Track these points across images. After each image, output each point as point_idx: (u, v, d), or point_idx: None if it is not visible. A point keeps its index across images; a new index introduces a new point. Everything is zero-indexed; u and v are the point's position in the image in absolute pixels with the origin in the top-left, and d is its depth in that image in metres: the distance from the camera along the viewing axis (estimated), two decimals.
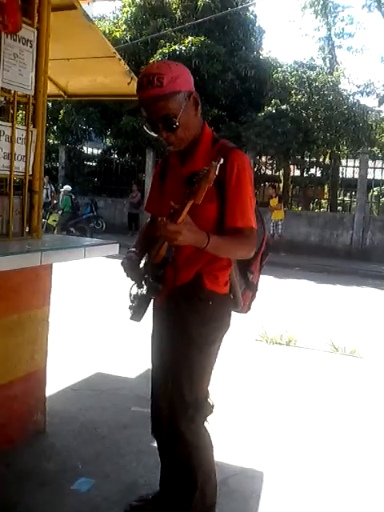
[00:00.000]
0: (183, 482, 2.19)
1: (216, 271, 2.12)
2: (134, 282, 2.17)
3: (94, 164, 19.98)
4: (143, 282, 2.11)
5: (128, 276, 2.16)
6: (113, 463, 2.87)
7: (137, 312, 2.13)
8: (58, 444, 3.03)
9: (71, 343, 4.93)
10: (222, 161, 1.80)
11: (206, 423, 2.20)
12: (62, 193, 15.17)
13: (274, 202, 14.29)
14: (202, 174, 1.77)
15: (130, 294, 2.18)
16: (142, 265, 2.15)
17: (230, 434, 3.17)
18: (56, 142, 19.03)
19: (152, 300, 2.17)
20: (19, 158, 2.93)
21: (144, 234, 2.39)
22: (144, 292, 2.11)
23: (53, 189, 16.44)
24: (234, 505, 2.55)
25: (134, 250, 2.25)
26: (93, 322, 5.90)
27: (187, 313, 2.12)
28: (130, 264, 2.16)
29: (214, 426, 2.20)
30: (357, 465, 3.05)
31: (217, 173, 1.77)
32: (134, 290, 2.17)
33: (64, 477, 2.70)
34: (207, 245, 1.89)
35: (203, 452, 2.19)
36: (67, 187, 15.30)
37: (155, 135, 2.06)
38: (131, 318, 2.15)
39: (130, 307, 2.14)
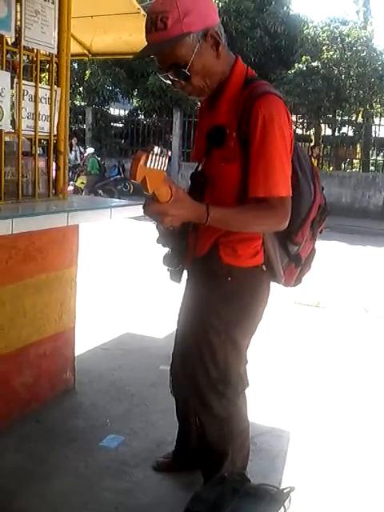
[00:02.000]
0: (211, 452, 2.15)
1: (234, 243, 1.84)
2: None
3: (121, 125, 19.79)
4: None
5: (158, 242, 1.97)
6: (141, 421, 2.92)
7: (174, 274, 2.01)
8: (87, 402, 3.08)
9: (101, 304, 4.99)
10: (156, 150, 1.44)
11: (241, 396, 2.10)
12: (87, 155, 15.11)
13: (314, 162, 14.01)
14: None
15: None
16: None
17: (258, 394, 3.17)
18: (82, 104, 18.89)
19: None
20: (43, 118, 2.90)
21: None
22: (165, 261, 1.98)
23: (82, 150, 16.39)
24: (261, 463, 2.57)
25: None
26: (121, 283, 5.94)
27: (206, 291, 1.94)
28: (164, 229, 1.91)
29: None
30: None
31: (147, 165, 1.43)
32: None
33: (93, 434, 2.75)
34: (207, 219, 1.63)
35: (234, 424, 2.10)
36: (90, 149, 15.24)
37: (170, 84, 1.78)
38: (171, 279, 2.03)
39: (168, 269, 2.01)
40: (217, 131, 1.78)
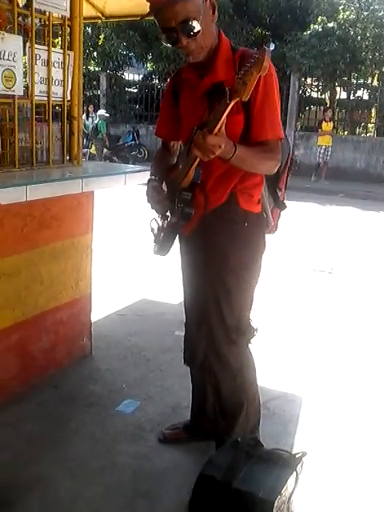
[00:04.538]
0: (227, 405, 2.20)
1: (250, 189, 2.00)
2: (157, 215, 2.09)
3: (136, 90, 19.52)
4: (171, 211, 2.00)
5: (153, 207, 2.07)
6: (156, 386, 2.96)
7: (163, 245, 2.05)
8: (103, 367, 3.13)
9: (116, 270, 5.02)
10: (273, 46, 1.62)
11: (249, 345, 2.19)
12: (98, 118, 14.92)
13: (328, 126, 13.73)
14: (251, 63, 1.55)
15: (152, 228, 2.12)
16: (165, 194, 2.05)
17: (270, 359, 3.21)
18: (96, 69, 18.61)
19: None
20: (57, 82, 2.86)
21: (159, 161, 2.27)
22: (174, 220, 2.01)
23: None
24: (274, 427, 2.60)
25: (154, 178, 2.13)
26: (137, 249, 5.94)
27: (223, 238, 2.02)
28: (155, 195, 2.06)
29: (255, 350, 2.22)
30: None
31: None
32: (157, 223, 2.10)
33: (109, 399, 2.80)
34: (233, 155, 1.77)
35: (247, 374, 2.19)
36: (101, 111, 15.11)
37: (171, 46, 1.89)
38: (156, 253, 2.08)
39: (155, 241, 2.07)
40: (217, 87, 1.85)
